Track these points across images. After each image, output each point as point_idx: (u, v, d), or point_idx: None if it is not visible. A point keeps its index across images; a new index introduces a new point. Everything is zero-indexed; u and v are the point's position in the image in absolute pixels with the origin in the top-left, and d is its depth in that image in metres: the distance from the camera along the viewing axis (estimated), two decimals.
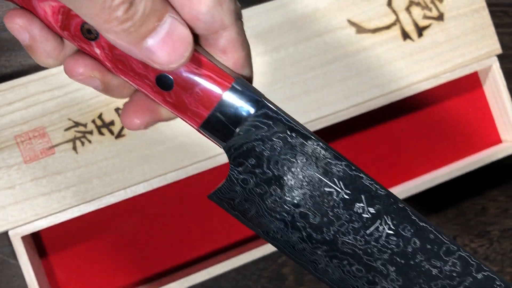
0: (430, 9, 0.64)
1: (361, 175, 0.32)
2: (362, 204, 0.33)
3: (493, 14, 0.70)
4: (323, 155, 0.32)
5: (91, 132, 0.55)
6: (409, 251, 0.33)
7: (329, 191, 0.32)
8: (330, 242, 0.33)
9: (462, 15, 0.64)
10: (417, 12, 0.63)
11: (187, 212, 0.61)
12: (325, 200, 0.32)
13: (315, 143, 0.32)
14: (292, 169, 0.32)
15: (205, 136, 0.32)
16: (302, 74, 0.59)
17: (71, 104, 0.55)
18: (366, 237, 0.33)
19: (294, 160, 0.32)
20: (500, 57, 0.66)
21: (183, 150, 0.56)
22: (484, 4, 0.65)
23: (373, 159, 0.66)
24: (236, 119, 0.30)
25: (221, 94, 0.30)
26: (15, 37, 0.59)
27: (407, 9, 0.63)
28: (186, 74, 0.29)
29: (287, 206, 0.33)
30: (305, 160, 0.32)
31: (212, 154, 0.57)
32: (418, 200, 0.70)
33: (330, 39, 0.61)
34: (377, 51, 0.62)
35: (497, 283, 0.33)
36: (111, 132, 0.56)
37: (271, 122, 0.31)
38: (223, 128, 0.31)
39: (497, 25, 0.70)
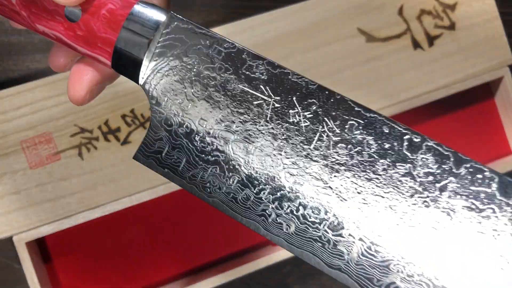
0: (441, 18, 0.63)
1: (286, 70, 0.29)
2: (296, 110, 0.29)
3: (506, 23, 0.69)
4: (242, 57, 0.29)
5: (97, 139, 0.55)
6: (366, 160, 0.28)
7: (258, 104, 0.29)
8: (273, 177, 0.28)
9: (474, 24, 0.63)
10: (428, 21, 0.62)
11: (192, 220, 0.61)
12: (256, 117, 0.29)
13: (231, 45, 0.30)
14: (215, 89, 0.29)
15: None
16: None
17: (77, 110, 0.55)
18: (311, 154, 0.28)
19: (215, 75, 0.29)
20: None
21: None
22: (497, 14, 0.64)
23: None
24: (145, 38, 0.29)
25: (127, 13, 0.30)
26: (22, 41, 0.59)
27: (418, 18, 0.62)
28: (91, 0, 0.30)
29: (217, 142, 0.29)
30: (225, 73, 0.29)
31: None
32: None
33: (339, 47, 0.60)
34: (387, 61, 0.61)
35: (487, 174, 0.26)
36: (117, 139, 0.55)
37: (183, 36, 0.30)
38: (135, 54, 0.30)
39: (510, 35, 0.69)
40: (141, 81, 0.30)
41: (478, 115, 0.68)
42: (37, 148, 0.54)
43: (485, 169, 0.26)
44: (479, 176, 0.26)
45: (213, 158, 0.29)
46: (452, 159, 0.27)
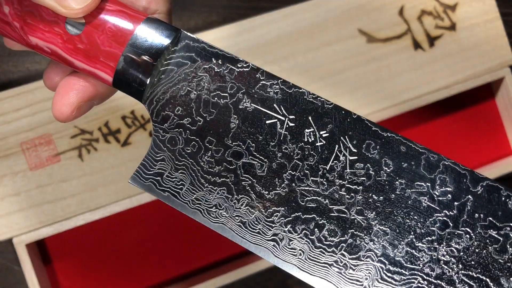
0: (442, 19, 0.63)
1: (302, 90, 0.28)
2: (311, 129, 0.28)
3: (507, 23, 0.69)
4: (256, 77, 0.28)
5: (97, 140, 0.55)
6: (384, 180, 0.27)
7: (271, 124, 0.28)
8: (287, 199, 0.27)
9: (475, 25, 0.63)
10: (428, 21, 0.62)
11: (192, 222, 0.60)
12: (270, 137, 0.28)
13: (244, 64, 0.28)
14: (226, 108, 0.28)
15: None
16: (311, 84, 0.59)
17: None
18: (328, 175, 0.27)
19: (226, 94, 0.28)
20: None
21: None
22: (497, 14, 0.64)
23: None
24: (153, 54, 0.28)
25: (135, 27, 0.28)
26: None
27: (419, 18, 0.62)
28: (97, 12, 0.28)
29: (227, 160, 0.27)
30: (237, 92, 0.28)
31: None
32: None
33: (340, 48, 0.60)
34: (387, 61, 0.61)
35: (503, 192, 0.26)
36: (117, 140, 0.55)
37: (193, 54, 0.28)
38: (140, 71, 0.28)
39: (510, 35, 0.68)
40: (145, 99, 0.28)
41: (479, 116, 0.68)
42: (37, 150, 0.54)
43: (501, 187, 0.27)
44: (496, 194, 0.26)
45: (221, 179, 0.28)
46: (468, 177, 0.27)
